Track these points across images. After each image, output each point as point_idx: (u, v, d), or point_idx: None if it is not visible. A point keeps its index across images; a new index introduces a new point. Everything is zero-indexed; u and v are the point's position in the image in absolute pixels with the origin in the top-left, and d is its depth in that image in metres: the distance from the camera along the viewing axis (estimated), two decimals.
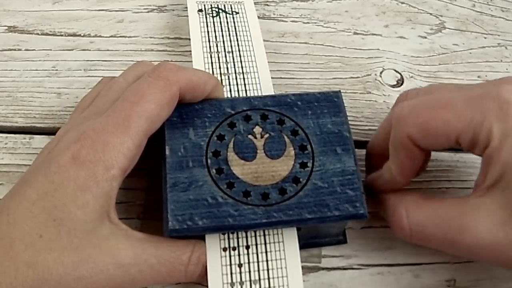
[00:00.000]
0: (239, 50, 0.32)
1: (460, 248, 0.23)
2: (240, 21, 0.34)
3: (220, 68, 0.31)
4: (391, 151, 0.25)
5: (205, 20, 0.34)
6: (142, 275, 0.23)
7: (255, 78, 0.31)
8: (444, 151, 0.33)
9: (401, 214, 0.24)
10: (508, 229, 0.21)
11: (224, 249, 0.24)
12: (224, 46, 0.32)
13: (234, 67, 0.31)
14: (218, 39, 0.33)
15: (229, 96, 0.29)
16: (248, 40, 0.33)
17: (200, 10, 0.35)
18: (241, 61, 0.31)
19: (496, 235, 0.21)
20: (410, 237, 0.24)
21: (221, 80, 0.30)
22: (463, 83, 0.37)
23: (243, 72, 0.31)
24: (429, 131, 0.23)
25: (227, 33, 0.33)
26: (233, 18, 0.35)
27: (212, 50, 0.32)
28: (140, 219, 0.29)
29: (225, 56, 0.32)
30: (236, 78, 0.30)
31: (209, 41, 0.33)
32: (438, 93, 0.25)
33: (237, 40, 0.33)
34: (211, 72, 0.31)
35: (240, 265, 0.24)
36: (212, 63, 0.31)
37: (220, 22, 0.34)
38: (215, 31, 0.33)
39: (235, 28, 0.34)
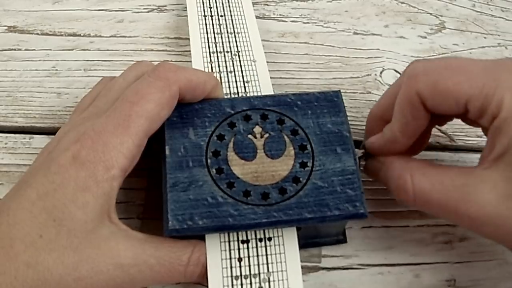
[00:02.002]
0: (238, 50, 0.32)
1: (462, 217, 0.23)
2: (239, 21, 0.34)
3: (219, 67, 0.31)
4: (396, 108, 0.25)
5: (204, 20, 0.34)
6: (142, 275, 0.23)
7: (254, 78, 0.31)
8: (444, 151, 0.33)
9: (405, 178, 0.24)
10: (511, 203, 0.21)
11: (224, 249, 0.24)
12: (223, 46, 0.32)
13: (234, 66, 0.31)
14: (217, 39, 0.33)
15: (229, 96, 0.29)
16: (247, 40, 0.33)
17: (200, 10, 0.35)
18: (240, 61, 0.31)
19: (499, 207, 0.21)
20: (414, 201, 0.24)
21: (221, 80, 0.30)
22: None
23: (242, 72, 0.31)
24: (439, 90, 0.23)
25: (226, 33, 0.33)
26: (232, 18, 0.35)
27: (211, 50, 0.32)
28: (140, 219, 0.29)
29: (225, 56, 0.32)
30: (235, 78, 0.30)
31: (208, 41, 0.33)
32: (454, 59, 0.25)
33: (236, 40, 0.33)
34: (210, 72, 0.31)
35: (240, 265, 0.24)
36: (211, 63, 0.31)
37: (219, 22, 0.34)
38: (214, 31, 0.33)
39: (234, 28, 0.34)
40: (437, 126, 0.31)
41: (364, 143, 0.28)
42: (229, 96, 0.29)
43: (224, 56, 0.32)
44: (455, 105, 0.23)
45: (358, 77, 0.36)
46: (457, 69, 0.23)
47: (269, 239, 0.25)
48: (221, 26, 0.34)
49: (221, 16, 0.35)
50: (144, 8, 0.40)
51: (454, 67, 0.23)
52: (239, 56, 0.32)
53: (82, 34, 0.38)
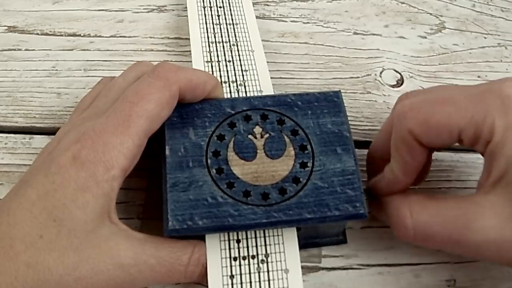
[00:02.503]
0: (238, 50, 0.32)
1: (465, 246, 0.22)
2: (239, 21, 0.34)
3: (219, 68, 0.31)
4: (392, 149, 0.25)
5: (204, 20, 0.34)
6: (142, 275, 0.23)
7: (255, 78, 0.31)
8: (444, 151, 0.33)
9: (404, 214, 0.24)
10: None
11: (224, 249, 0.24)
12: (223, 46, 0.32)
13: (234, 67, 0.31)
14: (217, 39, 0.33)
15: (229, 96, 0.29)
16: (247, 40, 0.33)
17: (200, 9, 0.35)
18: (240, 61, 0.31)
19: (502, 232, 0.21)
20: (414, 237, 0.24)
21: (221, 80, 0.30)
22: (463, 83, 0.37)
23: (242, 72, 0.31)
24: (431, 126, 0.23)
25: (226, 33, 0.33)
26: (232, 18, 0.35)
27: (211, 50, 0.32)
28: (140, 219, 0.29)
29: (225, 56, 0.32)
30: (235, 78, 0.30)
31: (208, 41, 0.33)
32: (439, 91, 0.25)
33: (236, 40, 0.33)
34: (210, 72, 0.31)
35: (240, 265, 0.24)
36: (211, 63, 0.31)
37: (219, 22, 0.34)
38: (214, 31, 0.33)
39: (234, 28, 0.34)
40: None
41: (367, 185, 0.28)
42: (229, 96, 0.29)
43: (224, 56, 0.32)
44: (449, 137, 0.23)
45: (358, 77, 0.36)
46: (444, 101, 0.23)
47: (269, 239, 0.25)
48: (221, 26, 0.34)
49: (221, 15, 0.35)
50: (144, 8, 0.40)
51: (442, 100, 0.23)
52: (239, 56, 0.32)
53: (82, 34, 0.38)
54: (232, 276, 0.24)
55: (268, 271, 0.24)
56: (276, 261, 0.24)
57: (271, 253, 0.24)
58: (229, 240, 0.24)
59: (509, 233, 0.21)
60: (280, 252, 0.24)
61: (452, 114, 0.23)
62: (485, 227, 0.21)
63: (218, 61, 0.31)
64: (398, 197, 0.25)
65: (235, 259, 0.24)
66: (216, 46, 0.32)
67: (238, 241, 0.25)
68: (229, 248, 0.24)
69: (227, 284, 0.24)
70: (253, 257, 0.24)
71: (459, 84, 0.37)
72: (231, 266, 0.24)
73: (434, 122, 0.23)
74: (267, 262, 0.24)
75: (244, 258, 0.24)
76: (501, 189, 0.22)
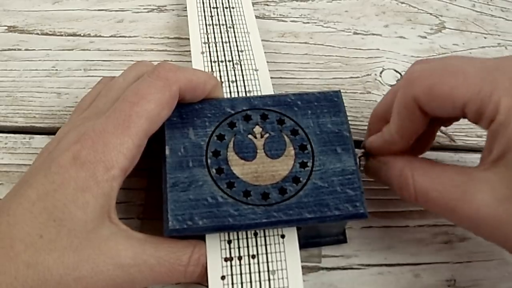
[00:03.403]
0: (238, 50, 0.32)
1: (459, 217, 0.23)
2: (239, 21, 0.34)
3: (219, 68, 0.31)
4: (394, 110, 0.25)
5: (204, 20, 0.34)
6: (142, 275, 0.23)
7: (254, 78, 0.31)
8: (444, 151, 0.33)
9: (407, 176, 0.24)
10: (508, 206, 0.21)
11: (224, 249, 0.24)
12: (223, 46, 0.32)
13: (234, 66, 0.31)
14: (217, 39, 0.33)
15: (229, 96, 0.29)
16: (246, 40, 0.33)
17: (200, 21, 0.35)
18: (240, 61, 0.31)
19: (496, 209, 0.21)
20: (415, 198, 0.24)
21: (221, 80, 0.30)
22: None
23: (242, 72, 0.31)
24: (436, 95, 0.23)
25: (226, 33, 0.33)
26: (232, 17, 0.35)
27: (211, 50, 0.32)
28: (140, 219, 0.29)
29: (225, 56, 0.32)
30: (235, 78, 0.30)
31: (208, 41, 0.33)
32: (452, 60, 0.24)
33: (236, 40, 0.33)
34: (210, 72, 0.31)
35: (240, 265, 0.24)
36: (211, 63, 0.31)
37: (219, 22, 0.34)
38: (214, 31, 0.33)
39: (234, 28, 0.34)
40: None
41: (364, 142, 0.28)
42: (229, 96, 0.29)
43: (224, 56, 0.32)
44: (452, 109, 0.23)
45: (358, 77, 0.36)
46: (453, 72, 0.23)
47: (269, 239, 0.25)
48: (221, 26, 0.34)
49: (222, 25, 0.35)
50: (144, 8, 0.40)
51: (450, 70, 0.23)
52: (239, 56, 0.32)
53: (82, 34, 0.38)
54: (232, 276, 0.24)
55: (268, 271, 0.24)
56: (276, 261, 0.24)
57: (271, 252, 0.24)
58: (229, 240, 0.24)
59: (502, 213, 0.21)
60: (280, 252, 0.24)
61: (458, 86, 0.22)
62: (479, 202, 0.22)
63: (222, 82, 0.31)
64: (402, 159, 0.26)
65: (235, 259, 0.24)
66: (216, 46, 0.32)
67: (238, 241, 0.25)
68: (229, 248, 0.24)
69: (227, 284, 0.24)
70: (253, 256, 0.24)
71: None
72: (231, 266, 0.24)
73: (439, 91, 0.23)
74: (267, 262, 0.24)
75: (244, 257, 0.24)
76: (499, 168, 0.22)
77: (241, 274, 0.24)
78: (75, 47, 0.37)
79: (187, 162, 0.25)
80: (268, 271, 0.24)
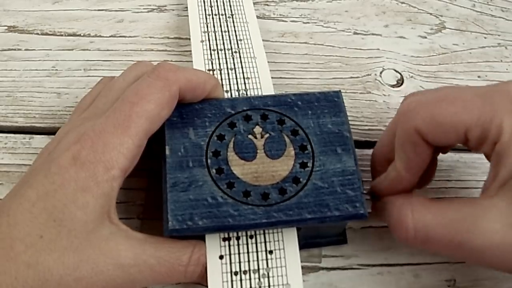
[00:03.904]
0: (239, 50, 0.32)
1: (467, 250, 0.22)
2: (240, 21, 0.34)
3: (220, 67, 0.31)
4: (397, 147, 0.24)
5: (205, 20, 0.34)
6: (142, 275, 0.23)
7: (255, 77, 0.31)
8: None
9: (406, 215, 0.23)
10: None
11: (224, 249, 0.24)
12: (224, 46, 0.32)
13: (234, 66, 0.31)
14: (218, 39, 0.33)
15: (229, 96, 0.29)
16: (247, 40, 0.33)
17: (200, 10, 0.35)
18: (241, 61, 0.31)
19: (506, 236, 0.21)
20: (414, 239, 0.23)
21: (221, 80, 0.30)
22: (463, 83, 0.37)
23: (243, 72, 0.31)
24: (437, 123, 0.22)
25: (227, 33, 0.33)
26: (232, 17, 0.35)
27: (212, 50, 0.32)
28: (140, 219, 0.29)
29: (225, 56, 0.32)
30: (236, 78, 0.30)
31: (209, 41, 0.33)
32: (447, 90, 0.24)
33: (237, 40, 0.33)
34: (211, 72, 0.31)
35: (240, 265, 0.24)
36: (212, 63, 0.31)
37: (220, 22, 0.34)
38: (215, 31, 0.33)
39: (235, 28, 0.34)
40: None
41: (370, 186, 0.28)
42: (229, 96, 0.29)
43: (225, 56, 0.32)
44: (455, 135, 0.22)
45: (358, 77, 0.36)
46: (452, 99, 0.23)
47: (269, 239, 0.25)
48: (222, 26, 0.34)
49: (222, 15, 0.35)
50: (144, 8, 0.40)
51: (448, 98, 0.23)
52: (240, 55, 0.32)
53: (82, 34, 0.38)
54: (232, 276, 0.24)
55: (268, 271, 0.24)
56: (276, 261, 0.24)
57: (271, 253, 0.24)
58: (229, 240, 0.24)
59: None
60: (280, 250, 0.24)
61: (459, 112, 0.22)
62: (489, 230, 0.21)
63: (220, 69, 0.31)
64: (400, 197, 0.25)
65: (235, 259, 0.24)
66: (218, 54, 0.32)
67: (238, 242, 0.25)
68: (229, 249, 0.24)
69: (227, 281, 0.24)
70: (253, 253, 0.24)
71: (459, 84, 0.37)
72: (231, 266, 0.24)
73: (441, 119, 0.22)
74: (267, 259, 0.24)
75: (243, 256, 0.24)
76: (507, 192, 0.21)
77: (241, 274, 0.24)
78: (75, 47, 0.37)
79: (187, 162, 0.25)
80: (268, 271, 0.24)
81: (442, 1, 0.42)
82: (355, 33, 0.39)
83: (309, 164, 0.25)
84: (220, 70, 0.30)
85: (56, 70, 0.35)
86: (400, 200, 0.25)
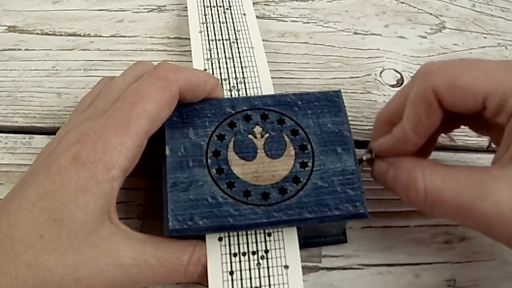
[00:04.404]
0: (238, 50, 0.32)
1: (476, 217, 0.22)
2: (239, 20, 0.35)
3: (220, 67, 0.31)
4: (408, 106, 0.24)
5: (205, 20, 0.34)
6: (142, 275, 0.23)
7: (255, 77, 0.31)
8: (444, 151, 0.33)
9: (417, 176, 0.23)
10: None
11: (224, 249, 0.24)
12: (224, 46, 0.32)
13: (234, 66, 0.31)
14: (217, 39, 0.33)
15: (229, 96, 0.29)
16: (247, 39, 0.33)
17: (200, 9, 0.35)
18: (241, 61, 0.31)
19: None
20: (424, 201, 0.23)
21: (221, 79, 0.30)
22: None
23: (243, 72, 0.31)
24: (457, 86, 0.22)
25: (227, 32, 0.33)
26: (232, 17, 0.35)
27: (212, 50, 0.32)
28: (140, 219, 0.29)
29: (225, 56, 0.32)
30: (236, 78, 0.30)
31: (208, 40, 0.33)
32: (469, 59, 0.24)
33: (237, 40, 0.33)
34: (211, 72, 0.31)
35: (240, 265, 0.24)
36: (212, 62, 0.31)
37: (220, 22, 0.34)
38: (214, 31, 0.33)
39: (234, 27, 0.34)
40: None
41: (370, 146, 0.28)
42: (229, 96, 0.29)
43: (225, 55, 0.32)
44: (473, 101, 0.22)
45: (358, 77, 0.36)
46: (474, 65, 0.23)
47: (269, 239, 0.25)
48: (222, 26, 0.34)
49: (221, 14, 0.35)
50: (144, 8, 0.40)
51: (471, 64, 0.23)
52: (239, 55, 0.32)
53: (82, 34, 0.38)
54: (231, 272, 0.24)
55: (268, 268, 0.24)
56: (277, 261, 0.24)
57: (271, 252, 0.24)
58: (229, 240, 0.24)
59: None
60: (280, 250, 0.24)
61: (480, 77, 0.22)
62: (499, 199, 0.21)
63: (218, 58, 0.31)
64: (410, 159, 0.25)
65: (235, 259, 0.24)
66: (216, 44, 0.33)
67: (238, 242, 0.25)
68: (229, 249, 0.24)
69: (227, 280, 0.24)
70: (253, 253, 0.24)
71: None
72: (231, 266, 0.24)
73: (461, 83, 0.22)
74: (267, 259, 0.24)
75: (244, 254, 0.24)
76: None
77: (241, 273, 0.24)
78: (75, 47, 0.37)
79: (187, 162, 0.25)
80: (268, 268, 0.24)
81: (442, 1, 0.42)
82: (355, 33, 0.39)
83: (309, 164, 0.25)
84: (218, 60, 0.31)
85: (56, 70, 0.35)
86: (410, 161, 0.24)
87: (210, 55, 0.31)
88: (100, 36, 0.37)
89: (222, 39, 0.32)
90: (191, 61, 0.31)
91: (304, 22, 0.40)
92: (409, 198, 0.24)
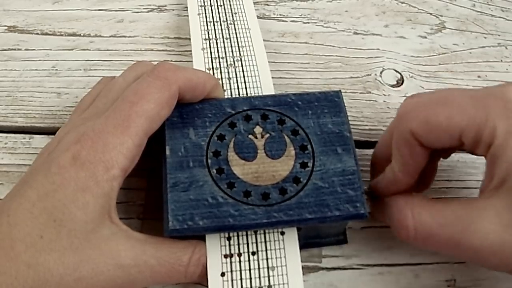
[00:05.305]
0: (239, 50, 0.32)
1: (465, 249, 0.22)
2: (240, 20, 0.34)
3: (220, 67, 0.31)
4: (394, 149, 0.25)
5: (205, 20, 0.34)
6: (142, 275, 0.23)
7: (255, 77, 0.31)
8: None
9: (406, 214, 0.24)
10: None
11: (224, 248, 0.24)
12: (224, 46, 0.32)
13: (235, 66, 0.31)
14: (218, 38, 0.33)
15: (229, 96, 0.29)
16: (248, 39, 0.33)
17: (200, 7, 0.35)
18: (241, 61, 0.31)
19: (502, 236, 0.21)
20: (414, 237, 0.24)
21: (221, 79, 0.30)
22: (463, 83, 0.37)
23: (243, 72, 0.31)
24: (432, 126, 0.23)
25: (227, 32, 0.33)
26: (233, 17, 0.35)
27: (212, 50, 0.32)
28: (140, 219, 0.29)
29: (226, 56, 0.32)
30: (236, 78, 0.30)
31: (209, 40, 0.33)
32: (442, 92, 0.24)
33: (237, 39, 0.33)
34: (211, 72, 0.31)
35: (240, 265, 0.24)
36: (212, 62, 0.31)
37: (220, 22, 0.34)
38: (215, 31, 0.33)
39: (235, 27, 0.34)
40: None
41: (369, 185, 0.28)
42: (229, 96, 0.29)
43: (225, 55, 0.32)
44: (449, 138, 0.23)
45: (358, 77, 0.36)
46: (447, 102, 0.23)
47: (270, 239, 0.25)
48: (222, 25, 0.34)
49: (222, 14, 0.35)
50: (144, 8, 0.40)
51: (443, 101, 0.23)
52: (240, 55, 0.32)
53: (82, 34, 0.38)
54: (232, 273, 0.24)
55: (268, 271, 0.24)
56: (277, 261, 0.24)
57: (271, 250, 0.24)
58: (229, 241, 0.24)
59: (509, 238, 0.21)
60: (280, 249, 0.24)
61: (453, 115, 0.22)
62: (485, 231, 0.21)
63: (219, 57, 0.31)
64: (400, 197, 0.25)
65: (235, 259, 0.24)
66: (217, 43, 0.33)
67: (238, 243, 0.25)
68: (230, 249, 0.24)
69: (227, 280, 0.24)
70: (253, 253, 0.24)
71: (459, 84, 0.37)
72: (231, 266, 0.24)
73: (435, 122, 0.23)
74: (267, 259, 0.24)
75: (243, 255, 0.24)
76: (502, 194, 0.21)
77: (241, 273, 0.24)
78: (75, 47, 0.37)
79: (187, 162, 0.25)
80: (268, 271, 0.24)
81: (442, 1, 0.42)
82: (355, 33, 0.39)
83: (310, 164, 0.25)
84: (217, 48, 0.31)
85: (56, 70, 0.35)
86: (401, 200, 0.25)
87: (211, 55, 0.31)
88: (100, 36, 0.37)
89: (228, 76, 0.31)
90: (191, 61, 0.31)
91: (304, 22, 0.40)
92: (401, 235, 0.24)
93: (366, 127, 0.34)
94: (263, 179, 0.25)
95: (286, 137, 0.26)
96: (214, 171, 0.25)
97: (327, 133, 0.26)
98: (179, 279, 0.24)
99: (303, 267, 0.24)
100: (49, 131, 0.32)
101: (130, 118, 0.23)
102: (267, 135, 0.26)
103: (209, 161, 0.25)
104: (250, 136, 0.26)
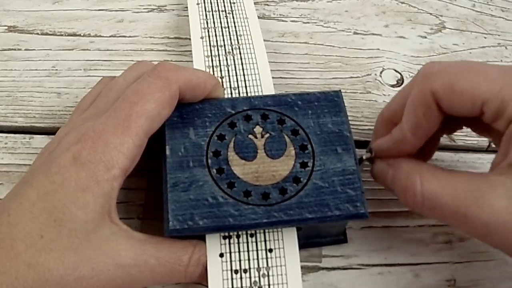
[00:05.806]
0: (239, 50, 0.32)
1: (473, 223, 0.22)
2: (240, 20, 0.34)
3: (220, 67, 0.31)
4: (408, 107, 0.24)
5: (205, 20, 0.34)
6: (142, 275, 0.23)
7: (255, 77, 0.31)
8: (444, 151, 0.33)
9: (415, 180, 0.23)
10: None
11: (224, 249, 0.24)
12: (224, 46, 0.32)
13: (235, 66, 0.31)
14: (218, 39, 0.33)
15: (229, 95, 0.29)
16: (248, 39, 0.33)
17: (200, 7, 0.35)
18: (241, 61, 0.31)
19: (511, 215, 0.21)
20: (421, 205, 0.23)
21: (222, 79, 0.30)
22: None
23: (243, 72, 0.31)
24: (456, 90, 0.22)
25: (228, 32, 0.33)
26: (233, 17, 0.35)
27: (212, 50, 0.32)
28: (140, 219, 0.29)
29: (226, 56, 0.32)
30: (236, 78, 0.30)
31: (209, 40, 0.33)
32: (470, 62, 0.24)
33: (238, 39, 0.33)
34: (211, 72, 0.31)
35: (240, 265, 0.24)
36: (212, 62, 0.31)
37: (220, 22, 0.34)
38: (215, 31, 0.33)
39: (235, 27, 0.34)
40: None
41: (371, 145, 0.28)
42: (229, 96, 0.29)
43: (226, 55, 0.32)
44: (471, 106, 0.22)
45: (358, 77, 0.36)
46: (474, 70, 0.22)
47: (269, 239, 0.25)
48: (223, 26, 0.34)
49: (222, 14, 0.35)
50: (144, 8, 0.40)
51: (471, 69, 0.23)
52: (240, 55, 0.32)
53: (82, 34, 0.38)
54: (231, 276, 0.24)
55: (268, 270, 0.24)
56: (276, 261, 0.24)
57: (271, 253, 0.24)
58: (229, 240, 0.24)
59: None
60: (280, 250, 0.24)
61: (480, 83, 0.22)
62: (496, 207, 0.21)
63: (217, 45, 0.31)
64: (409, 161, 0.25)
65: (235, 259, 0.24)
66: (215, 32, 0.33)
67: (238, 242, 0.25)
68: (230, 249, 0.24)
69: (227, 279, 0.24)
70: (253, 258, 0.24)
71: None
72: (231, 266, 0.24)
73: (460, 87, 0.22)
74: (267, 259, 0.24)
75: (244, 256, 0.24)
76: None
77: (241, 273, 0.24)
78: (75, 47, 0.37)
79: (187, 162, 0.25)
80: (268, 270, 0.24)
81: (442, 1, 0.42)
82: (355, 33, 0.39)
83: (310, 164, 0.25)
84: (216, 37, 0.32)
85: (56, 70, 0.35)
86: (409, 164, 0.24)
87: (211, 54, 0.31)
88: (100, 36, 0.37)
89: (229, 75, 0.31)
90: (191, 61, 0.31)
91: (304, 22, 0.40)
92: (407, 201, 0.24)
93: (366, 127, 0.34)
94: (263, 179, 0.25)
95: (286, 137, 0.26)
96: (214, 171, 0.25)
97: (327, 133, 0.26)
98: (179, 279, 0.24)
99: (303, 267, 0.24)
100: (49, 131, 0.32)
101: (130, 118, 0.23)
102: (267, 135, 0.26)
103: (209, 161, 0.25)
104: (250, 136, 0.26)
